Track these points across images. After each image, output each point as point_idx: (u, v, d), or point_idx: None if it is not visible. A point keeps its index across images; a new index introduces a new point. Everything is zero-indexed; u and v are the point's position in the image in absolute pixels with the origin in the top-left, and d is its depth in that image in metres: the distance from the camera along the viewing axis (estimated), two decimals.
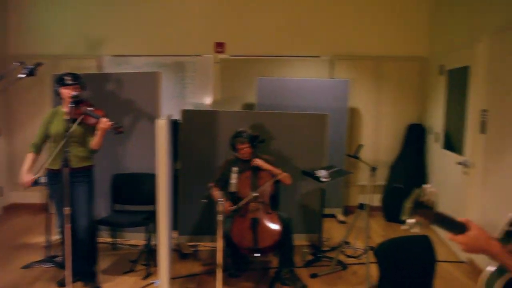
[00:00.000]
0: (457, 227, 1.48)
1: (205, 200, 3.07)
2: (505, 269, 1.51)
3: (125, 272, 4.17)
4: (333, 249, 4.80)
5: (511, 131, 3.78)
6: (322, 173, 4.26)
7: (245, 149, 4.08)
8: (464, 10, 4.98)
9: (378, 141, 6.35)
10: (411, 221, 1.45)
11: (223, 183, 3.96)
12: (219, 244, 3.19)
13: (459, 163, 4.64)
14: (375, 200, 6.11)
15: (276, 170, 4.05)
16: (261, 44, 6.18)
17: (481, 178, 4.24)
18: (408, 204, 1.46)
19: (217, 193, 3.77)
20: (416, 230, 1.47)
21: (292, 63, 6.19)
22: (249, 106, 6.07)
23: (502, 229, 1.60)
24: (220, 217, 3.16)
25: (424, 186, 1.46)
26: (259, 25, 6.20)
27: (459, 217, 1.53)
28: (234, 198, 3.90)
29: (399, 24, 6.24)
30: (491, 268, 1.59)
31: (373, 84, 6.26)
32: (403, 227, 1.46)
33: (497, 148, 4.02)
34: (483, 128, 4.23)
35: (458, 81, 5.07)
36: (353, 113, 6.24)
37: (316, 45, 6.20)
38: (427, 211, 1.45)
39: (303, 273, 4.21)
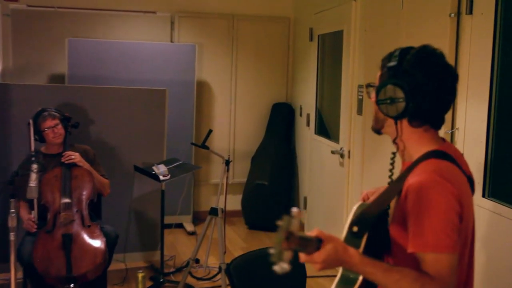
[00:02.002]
0: (312, 244, 1.50)
1: None
2: (349, 279, 1.60)
3: None
4: (179, 269, 4.91)
5: None
6: (160, 170, 4.33)
7: (57, 128, 4.01)
8: None
9: (236, 126, 6.58)
10: (284, 265, 1.36)
11: (22, 189, 3.76)
12: (13, 275, 3.13)
13: (333, 152, 4.99)
14: (235, 202, 6.33)
15: (94, 173, 4.09)
16: None
17: (359, 169, 4.61)
18: (278, 241, 1.36)
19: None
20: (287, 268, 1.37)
21: (118, 19, 6.13)
22: (58, 78, 5.88)
23: (346, 230, 1.69)
24: (11, 236, 3.08)
25: (293, 210, 1.39)
26: None
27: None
28: (37, 207, 3.83)
29: None
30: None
31: (228, 51, 6.45)
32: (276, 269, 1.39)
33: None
34: (359, 108, 4.58)
35: (331, 50, 5.46)
36: (202, 89, 6.37)
37: None
38: (295, 239, 1.40)
39: None
